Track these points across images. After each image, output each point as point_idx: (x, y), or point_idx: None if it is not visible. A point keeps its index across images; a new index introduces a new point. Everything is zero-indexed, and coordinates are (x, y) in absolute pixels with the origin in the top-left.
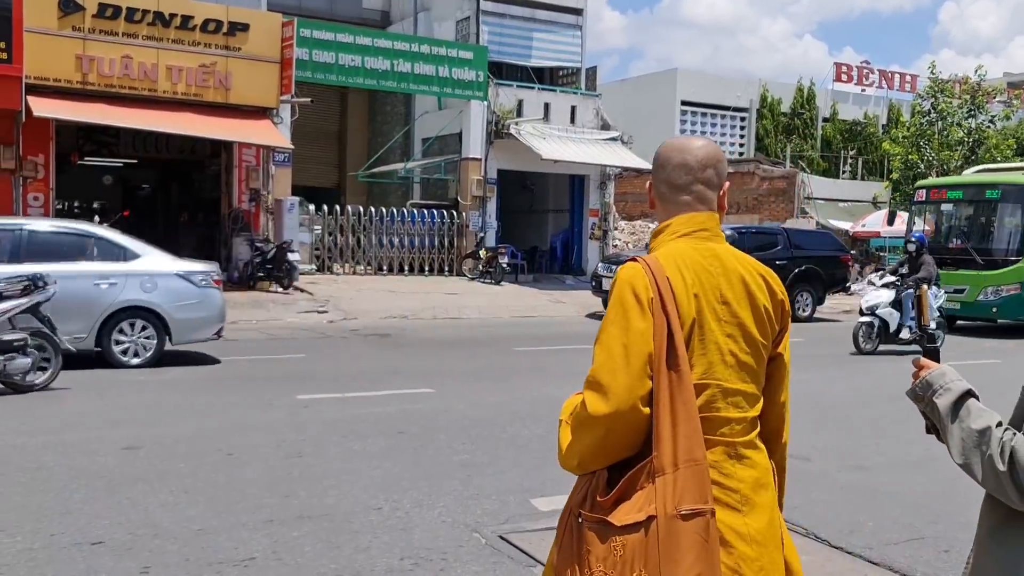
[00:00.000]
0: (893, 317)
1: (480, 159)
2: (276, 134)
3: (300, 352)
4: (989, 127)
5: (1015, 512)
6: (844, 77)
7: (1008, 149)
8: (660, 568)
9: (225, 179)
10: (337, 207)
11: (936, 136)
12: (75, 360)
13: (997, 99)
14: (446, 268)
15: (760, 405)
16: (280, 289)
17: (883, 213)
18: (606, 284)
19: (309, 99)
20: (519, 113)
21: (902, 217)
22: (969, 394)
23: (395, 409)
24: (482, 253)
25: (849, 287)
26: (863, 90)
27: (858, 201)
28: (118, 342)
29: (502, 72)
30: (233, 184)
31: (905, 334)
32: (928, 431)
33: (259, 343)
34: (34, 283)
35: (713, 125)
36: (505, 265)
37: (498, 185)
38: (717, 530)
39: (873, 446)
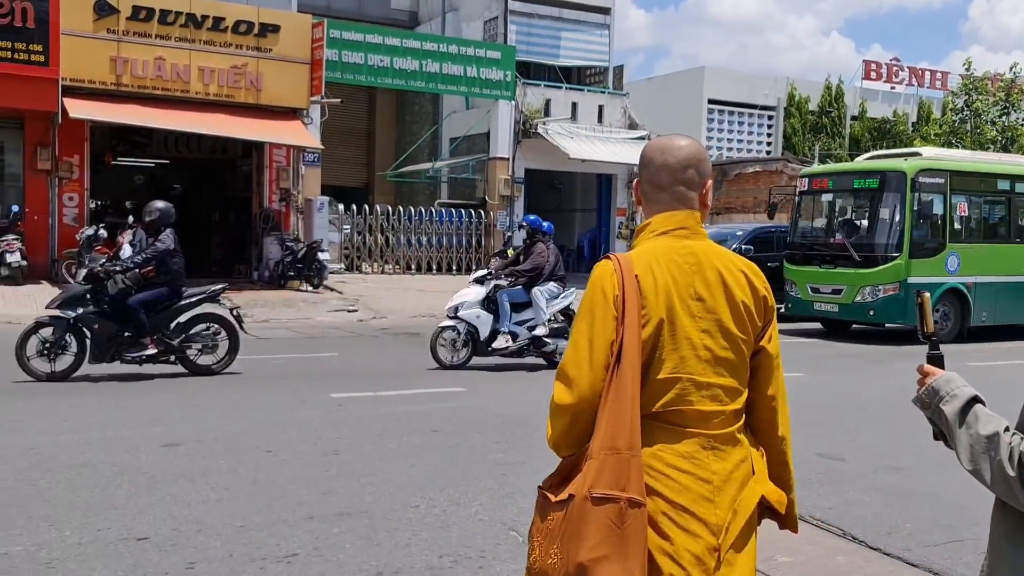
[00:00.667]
0: (482, 321)
1: (508, 158)
2: (306, 134)
3: (331, 351)
4: (1023, 125)
5: None
6: (873, 75)
7: None
8: (568, 544)
9: (256, 179)
10: (366, 206)
11: (969, 134)
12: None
13: None
14: (474, 267)
15: (742, 399)
16: (310, 288)
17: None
18: None
19: (339, 99)
20: (547, 112)
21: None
22: (976, 400)
23: (428, 408)
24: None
25: None
26: (892, 88)
27: None
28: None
29: (530, 72)
30: (264, 184)
31: (501, 342)
32: (936, 438)
33: (290, 342)
34: None
35: (740, 124)
36: None
37: (525, 184)
38: (642, 521)
39: (909, 447)
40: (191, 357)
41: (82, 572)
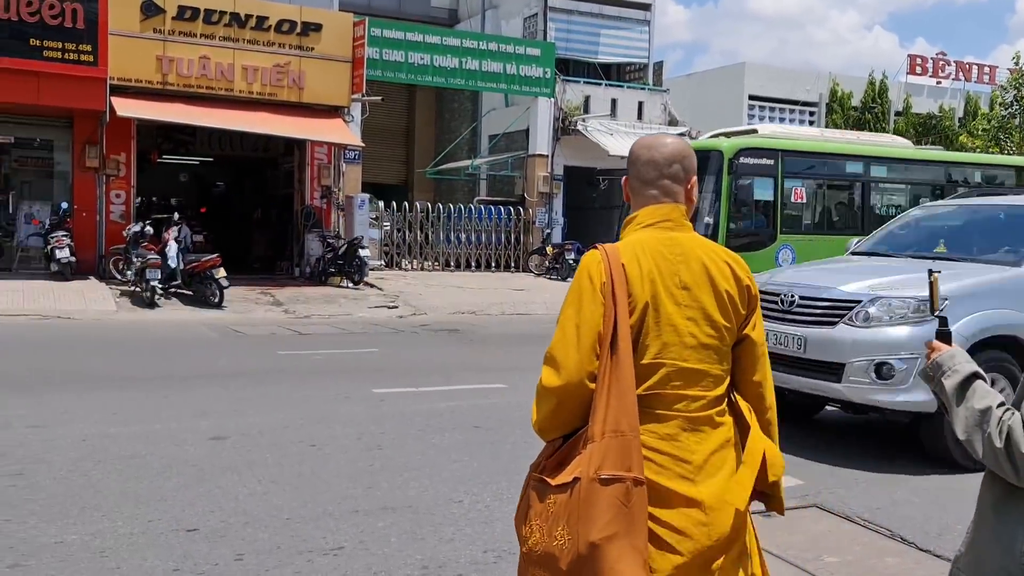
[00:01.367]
0: None
1: (547, 155)
2: (348, 132)
3: (372, 346)
4: None
5: (1013, 488)
6: (918, 69)
7: None
8: (578, 525)
9: (298, 176)
10: (405, 204)
11: (1018, 129)
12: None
13: None
14: (512, 264)
15: (725, 384)
16: (351, 284)
17: None
18: None
19: (380, 97)
20: (586, 109)
21: None
22: (976, 376)
23: (469, 404)
24: (548, 249)
25: None
26: (938, 83)
27: None
28: None
29: (569, 69)
30: (305, 181)
31: None
32: (940, 409)
33: (332, 337)
34: None
35: (782, 119)
36: (571, 261)
37: (564, 181)
38: (644, 498)
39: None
40: None
41: (135, 561)
